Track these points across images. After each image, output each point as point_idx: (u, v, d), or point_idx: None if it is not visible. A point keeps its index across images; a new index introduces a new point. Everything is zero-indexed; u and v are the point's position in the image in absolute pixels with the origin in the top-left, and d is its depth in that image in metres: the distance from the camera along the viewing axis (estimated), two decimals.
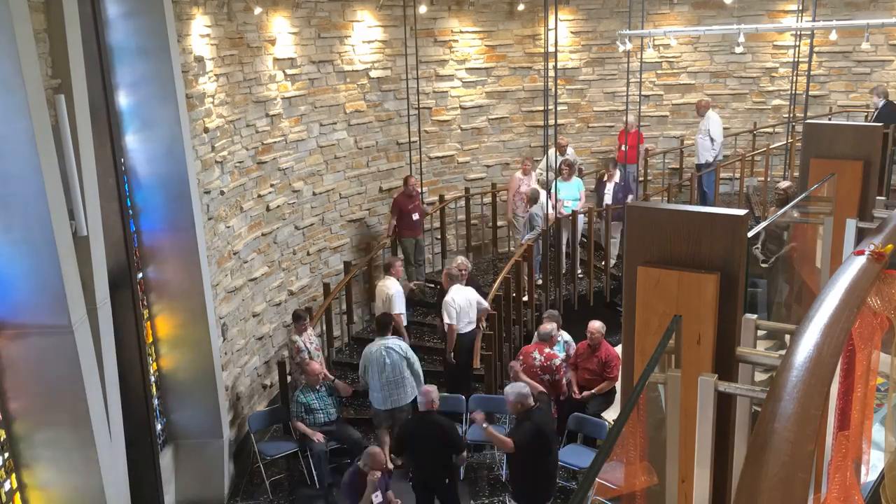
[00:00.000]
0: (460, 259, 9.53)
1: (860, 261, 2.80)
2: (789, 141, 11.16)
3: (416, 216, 10.90)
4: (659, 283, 2.59)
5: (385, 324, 8.36)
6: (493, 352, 9.02)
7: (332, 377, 8.75)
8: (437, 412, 7.25)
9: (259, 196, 9.64)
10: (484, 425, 7.19)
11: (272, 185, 9.96)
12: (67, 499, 5.79)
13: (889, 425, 3.58)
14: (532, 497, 7.01)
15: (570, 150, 12.52)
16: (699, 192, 12.08)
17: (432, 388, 7.32)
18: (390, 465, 7.75)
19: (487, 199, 12.50)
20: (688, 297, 2.54)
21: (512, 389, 6.97)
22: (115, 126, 6.85)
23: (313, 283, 10.87)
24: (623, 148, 11.62)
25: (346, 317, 10.43)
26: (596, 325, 8.30)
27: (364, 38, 11.31)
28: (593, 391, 8.30)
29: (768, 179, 11.61)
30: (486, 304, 9.10)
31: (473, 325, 9.00)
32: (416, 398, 7.74)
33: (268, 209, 9.84)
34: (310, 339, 8.64)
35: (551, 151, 11.21)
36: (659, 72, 13.33)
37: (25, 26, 5.09)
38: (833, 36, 10.46)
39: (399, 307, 9.19)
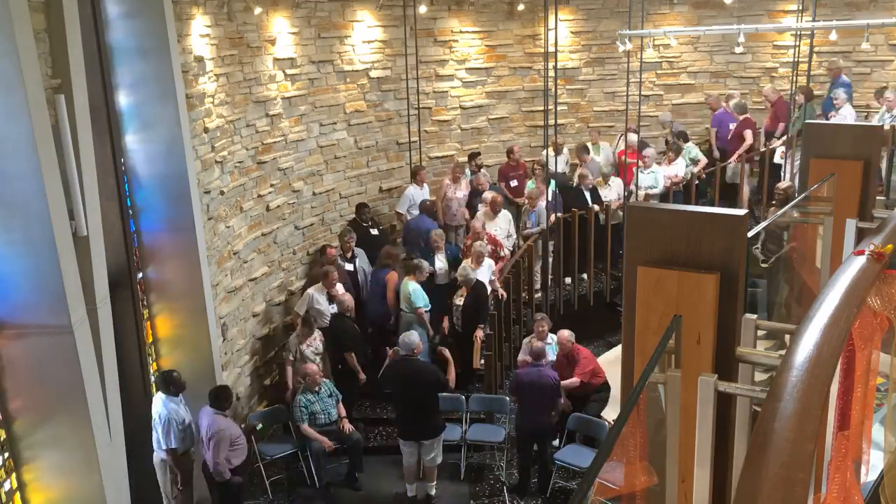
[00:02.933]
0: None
1: (860, 261, 2.80)
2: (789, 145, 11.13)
3: (514, 183, 11.81)
4: (659, 283, 2.59)
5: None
6: (493, 352, 9.02)
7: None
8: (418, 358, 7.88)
9: (259, 196, 9.63)
10: None
11: (272, 185, 9.96)
12: (67, 499, 5.78)
13: (889, 425, 3.58)
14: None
15: (565, 150, 12.47)
16: None
17: (414, 335, 7.87)
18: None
19: None
20: (688, 297, 2.55)
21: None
22: (115, 126, 6.85)
23: None
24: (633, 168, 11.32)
25: None
26: (565, 335, 8.39)
27: (364, 38, 11.30)
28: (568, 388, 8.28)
29: (768, 180, 11.59)
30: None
31: None
32: None
33: (268, 209, 9.83)
34: (309, 344, 8.65)
35: (544, 153, 11.16)
36: (659, 72, 13.32)
37: (25, 26, 5.09)
38: (833, 36, 10.43)
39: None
